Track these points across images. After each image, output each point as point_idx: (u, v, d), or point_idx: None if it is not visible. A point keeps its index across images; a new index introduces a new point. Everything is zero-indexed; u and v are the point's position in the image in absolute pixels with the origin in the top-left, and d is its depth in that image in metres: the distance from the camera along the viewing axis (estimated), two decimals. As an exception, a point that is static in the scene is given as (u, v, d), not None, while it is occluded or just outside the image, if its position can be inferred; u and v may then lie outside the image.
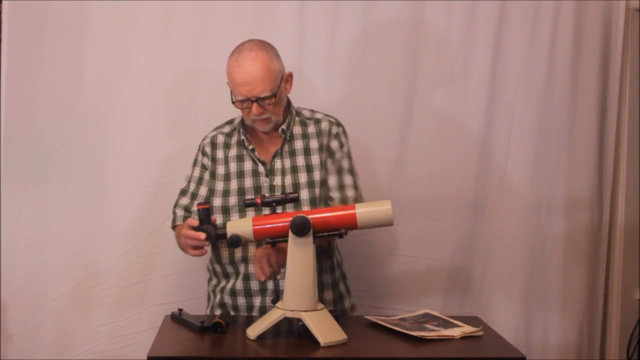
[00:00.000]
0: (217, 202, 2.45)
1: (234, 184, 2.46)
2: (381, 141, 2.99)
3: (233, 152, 2.50)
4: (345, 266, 2.62)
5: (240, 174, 2.47)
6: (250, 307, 2.46)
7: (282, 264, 2.23)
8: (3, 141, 2.88)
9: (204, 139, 2.56)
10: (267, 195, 2.36)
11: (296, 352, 2.10)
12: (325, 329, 2.11)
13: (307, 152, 2.48)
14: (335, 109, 2.68)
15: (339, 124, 2.54)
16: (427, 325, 2.29)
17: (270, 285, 2.42)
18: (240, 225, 2.19)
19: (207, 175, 2.51)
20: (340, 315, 2.30)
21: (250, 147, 2.47)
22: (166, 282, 2.95)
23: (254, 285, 2.44)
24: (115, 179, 2.93)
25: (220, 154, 2.51)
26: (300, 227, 2.10)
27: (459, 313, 2.82)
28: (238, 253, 2.44)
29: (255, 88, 2.33)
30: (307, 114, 2.54)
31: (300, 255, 2.12)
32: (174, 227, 2.53)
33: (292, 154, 2.47)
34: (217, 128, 2.58)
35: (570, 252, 3.09)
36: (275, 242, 2.17)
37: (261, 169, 2.46)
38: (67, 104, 2.91)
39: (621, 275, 3.12)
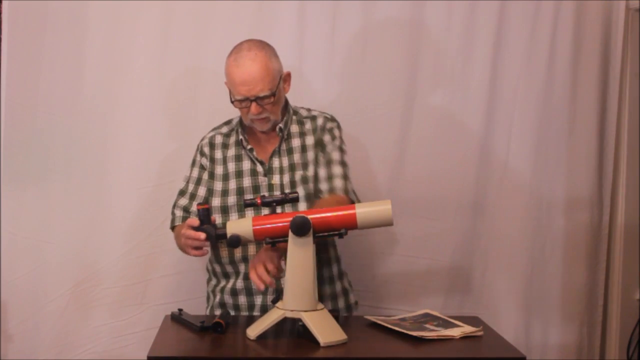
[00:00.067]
0: (215, 202, 2.45)
1: (232, 184, 2.46)
2: (381, 141, 2.99)
3: (231, 152, 2.50)
4: (345, 266, 2.62)
5: (239, 174, 2.47)
6: (251, 306, 2.46)
7: (280, 267, 2.23)
8: (3, 141, 2.88)
9: (202, 140, 2.56)
10: (265, 194, 2.36)
11: (296, 352, 2.10)
12: (325, 329, 2.11)
13: (303, 149, 2.48)
14: (335, 109, 2.68)
15: (333, 120, 2.54)
16: (427, 325, 2.28)
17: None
18: (240, 226, 2.19)
19: (205, 176, 2.51)
20: (345, 309, 2.29)
21: (249, 146, 2.47)
22: (166, 282, 2.95)
23: (255, 284, 2.44)
24: (115, 179, 2.93)
25: (218, 154, 2.51)
26: (300, 227, 2.10)
27: (459, 313, 2.82)
28: (238, 253, 2.44)
29: (254, 87, 2.33)
30: (304, 112, 2.55)
31: (300, 256, 2.12)
32: (172, 227, 2.53)
33: (290, 152, 2.47)
34: (215, 129, 2.58)
35: (571, 252, 3.08)
36: (275, 242, 2.17)
37: (259, 168, 2.47)
38: (67, 104, 2.90)
39: (621, 275, 3.11)
